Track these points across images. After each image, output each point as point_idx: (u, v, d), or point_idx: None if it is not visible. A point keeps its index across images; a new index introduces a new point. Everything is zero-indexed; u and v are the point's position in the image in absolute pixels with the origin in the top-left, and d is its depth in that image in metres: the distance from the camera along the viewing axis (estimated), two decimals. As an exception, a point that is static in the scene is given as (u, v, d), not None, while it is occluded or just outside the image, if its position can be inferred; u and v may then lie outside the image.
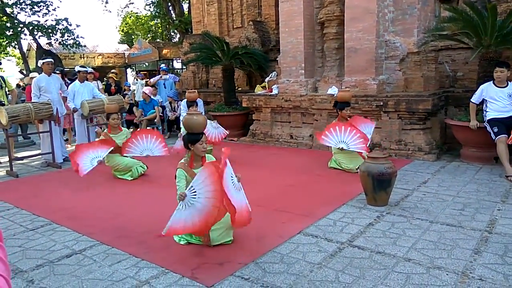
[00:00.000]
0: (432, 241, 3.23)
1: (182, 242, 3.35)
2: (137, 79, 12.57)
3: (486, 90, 5.44)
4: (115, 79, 11.56)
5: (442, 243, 3.20)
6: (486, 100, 5.44)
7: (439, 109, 6.61)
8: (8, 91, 7.49)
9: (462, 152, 6.07)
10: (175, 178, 3.40)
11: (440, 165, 5.75)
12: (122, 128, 6.02)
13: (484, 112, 5.47)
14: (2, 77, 7.36)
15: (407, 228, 3.53)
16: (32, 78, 9.02)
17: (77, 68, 7.93)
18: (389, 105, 6.31)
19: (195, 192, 2.99)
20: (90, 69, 9.44)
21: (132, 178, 5.66)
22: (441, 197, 4.33)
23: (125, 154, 5.59)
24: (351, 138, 5.28)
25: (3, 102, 6.95)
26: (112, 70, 12.88)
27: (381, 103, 6.38)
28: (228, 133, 6.46)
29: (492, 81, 5.43)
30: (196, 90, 7.32)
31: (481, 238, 3.27)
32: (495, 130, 5.21)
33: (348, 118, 5.74)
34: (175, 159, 3.49)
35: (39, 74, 7.36)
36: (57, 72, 8.27)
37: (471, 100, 5.61)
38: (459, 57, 7.22)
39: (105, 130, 6.04)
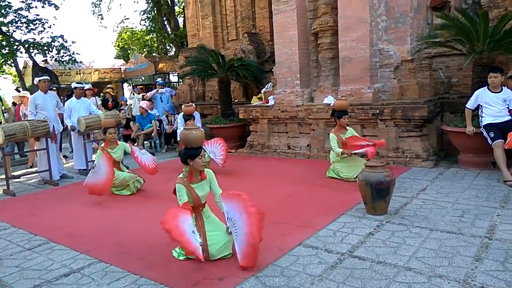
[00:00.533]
0: (432, 249, 3.21)
1: (181, 258, 3.32)
2: (133, 94, 12.59)
3: (481, 96, 5.46)
4: (112, 94, 11.58)
5: (443, 251, 3.18)
6: (481, 106, 5.47)
7: (435, 116, 6.64)
8: (5, 109, 7.48)
9: (460, 158, 6.07)
10: (174, 192, 3.39)
11: (438, 172, 5.75)
12: (119, 142, 6.01)
13: (480, 118, 5.49)
14: None
15: (407, 236, 3.51)
16: (21, 96, 9.02)
17: (73, 85, 7.95)
18: (385, 113, 6.33)
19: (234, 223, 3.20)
20: (87, 86, 9.47)
21: (130, 193, 5.63)
22: (440, 204, 4.32)
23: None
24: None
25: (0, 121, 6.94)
26: (108, 85, 12.91)
27: (377, 111, 6.41)
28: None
29: (486, 87, 5.47)
30: (193, 104, 7.35)
31: (481, 244, 3.25)
32: (492, 135, 5.22)
33: (347, 126, 5.75)
34: (172, 173, 3.48)
35: (34, 91, 7.36)
36: (53, 88, 8.29)
37: (466, 106, 5.63)
38: (453, 64, 7.28)
39: (102, 145, 6.03)
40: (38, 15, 15.05)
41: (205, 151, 5.96)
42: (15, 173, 7.63)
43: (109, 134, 5.79)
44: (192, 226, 3.17)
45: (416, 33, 6.88)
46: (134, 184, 5.71)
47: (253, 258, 3.04)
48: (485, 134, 5.34)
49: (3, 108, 7.31)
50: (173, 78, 22.30)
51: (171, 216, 3.13)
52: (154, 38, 24.99)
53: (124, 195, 5.60)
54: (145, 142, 9.71)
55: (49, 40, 15.10)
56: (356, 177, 4.58)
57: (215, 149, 6.41)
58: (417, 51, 6.58)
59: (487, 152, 5.46)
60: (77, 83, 8.12)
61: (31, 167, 7.46)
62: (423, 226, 3.73)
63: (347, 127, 5.75)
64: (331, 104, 7.04)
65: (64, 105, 7.77)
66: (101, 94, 11.60)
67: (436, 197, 4.60)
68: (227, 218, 3.27)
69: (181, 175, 3.39)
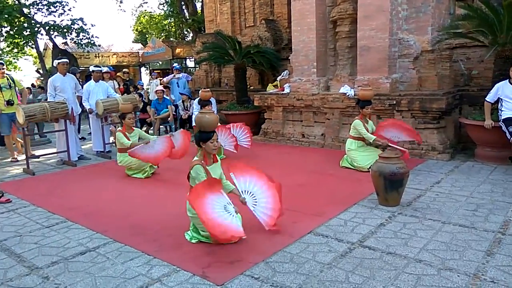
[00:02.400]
0: (444, 242, 3.21)
1: (193, 241, 3.39)
2: (151, 79, 12.65)
3: (502, 89, 5.35)
4: (123, 78, 11.64)
5: (454, 244, 3.17)
6: (501, 99, 5.36)
7: (454, 108, 6.52)
8: (19, 90, 7.59)
9: (477, 152, 5.98)
10: (188, 177, 3.43)
11: (454, 165, 5.68)
12: (134, 128, 6.11)
13: (499, 111, 5.38)
14: (11, 77, 7.48)
15: (418, 228, 3.51)
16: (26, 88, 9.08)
17: (91, 68, 8.04)
18: (402, 104, 6.25)
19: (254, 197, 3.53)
20: (105, 69, 9.56)
21: (144, 177, 5.73)
22: (454, 198, 4.28)
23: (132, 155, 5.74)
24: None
25: (12, 102, 7.07)
26: (124, 70, 12.98)
27: (394, 102, 6.33)
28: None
29: (508, 80, 5.34)
30: (209, 90, 7.37)
31: (494, 239, 3.23)
32: (511, 129, 5.12)
33: (369, 116, 5.75)
34: (187, 158, 3.53)
35: (54, 73, 7.46)
36: (75, 73, 8.40)
37: (486, 99, 5.52)
38: (474, 55, 7.11)
39: (120, 128, 6.14)
40: (59, -4, 15.19)
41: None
42: (35, 153, 7.82)
43: (128, 120, 5.92)
44: (223, 199, 3.24)
45: (437, 23, 6.73)
46: (150, 169, 5.81)
47: (275, 219, 3.49)
48: (504, 128, 5.24)
49: (16, 89, 7.44)
50: (190, 63, 22.36)
51: (196, 195, 3.15)
52: (172, 23, 25.00)
53: (140, 178, 5.70)
54: (160, 126, 9.81)
55: (69, 22, 15.27)
56: (370, 167, 4.56)
57: (238, 133, 6.63)
58: (438, 42, 6.44)
59: (505, 147, 5.36)
60: (95, 66, 8.21)
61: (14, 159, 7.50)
62: (435, 218, 3.72)
63: (370, 118, 5.73)
64: (347, 94, 6.99)
65: (82, 88, 7.88)
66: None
67: (451, 190, 4.55)
68: (243, 191, 3.51)
69: (196, 158, 3.44)
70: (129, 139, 5.77)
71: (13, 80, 7.38)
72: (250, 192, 3.55)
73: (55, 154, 7.29)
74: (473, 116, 6.08)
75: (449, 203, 4.11)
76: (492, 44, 5.78)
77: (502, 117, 5.30)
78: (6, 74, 7.43)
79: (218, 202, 3.18)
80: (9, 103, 7.04)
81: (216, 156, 3.57)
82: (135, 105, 7.62)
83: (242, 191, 3.53)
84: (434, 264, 2.85)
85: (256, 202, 3.52)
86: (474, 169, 5.43)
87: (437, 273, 2.73)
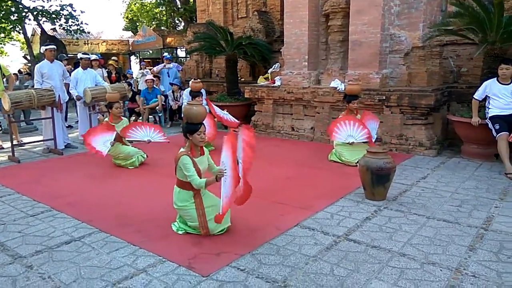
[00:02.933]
0: (427, 237, 3.25)
1: (180, 232, 3.39)
2: (142, 69, 12.46)
3: (490, 87, 5.41)
4: (115, 66, 11.50)
5: (438, 239, 3.22)
6: (489, 97, 5.42)
7: (442, 105, 6.58)
8: (4, 76, 7.43)
9: (463, 148, 6.06)
10: (175, 163, 3.38)
11: (440, 161, 5.75)
12: (122, 117, 6.04)
13: (487, 109, 5.45)
14: None
15: (403, 223, 3.55)
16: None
17: (79, 55, 7.92)
18: (392, 99, 6.29)
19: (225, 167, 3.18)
20: (94, 56, 9.42)
21: (132, 167, 5.69)
22: (439, 193, 4.34)
23: (126, 138, 5.73)
24: (358, 132, 5.38)
25: None
26: (113, 57, 12.82)
27: (384, 97, 6.36)
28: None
29: (496, 78, 5.40)
30: (200, 80, 7.31)
31: (476, 235, 3.29)
32: (497, 127, 5.19)
33: (356, 111, 5.79)
34: (176, 148, 3.50)
35: (41, 60, 7.33)
36: (63, 60, 8.25)
37: (473, 96, 5.58)
38: (464, 53, 7.17)
39: (106, 119, 6.07)
40: (47, -19, 14.88)
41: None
42: (22, 139, 7.70)
43: (116, 109, 5.84)
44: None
45: (429, 20, 6.75)
46: (138, 158, 5.77)
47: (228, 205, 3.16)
48: (490, 125, 5.31)
49: (2, 74, 7.28)
50: (181, 53, 22.14)
51: None
52: (163, 12, 24.72)
53: (127, 168, 5.65)
54: (150, 116, 9.73)
55: (58, 8, 14.97)
56: (357, 162, 4.59)
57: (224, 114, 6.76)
58: (429, 38, 6.47)
59: (491, 144, 5.44)
60: (83, 53, 8.09)
61: None
62: (420, 213, 3.76)
63: (359, 114, 5.75)
64: (338, 88, 7.00)
65: (70, 75, 7.76)
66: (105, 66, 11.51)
67: (436, 185, 4.61)
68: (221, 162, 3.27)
69: (182, 149, 3.41)
70: (114, 128, 5.73)
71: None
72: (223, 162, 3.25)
73: (42, 142, 7.19)
74: (460, 113, 6.14)
75: (434, 199, 4.17)
76: (482, 42, 5.83)
77: (489, 115, 5.36)
78: None
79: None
80: None
81: (204, 148, 3.51)
82: (124, 94, 7.53)
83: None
84: (418, 258, 2.90)
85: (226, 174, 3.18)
86: (460, 166, 5.51)
87: (420, 267, 2.77)
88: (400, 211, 3.84)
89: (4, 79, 7.40)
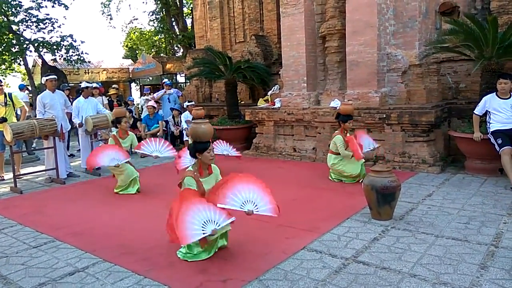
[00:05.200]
0: (437, 256, 3.19)
1: (186, 259, 3.32)
2: (145, 95, 12.50)
3: (489, 102, 5.43)
4: (118, 94, 11.61)
5: (448, 258, 3.16)
6: (489, 112, 5.43)
7: (442, 121, 6.60)
8: (18, 108, 7.52)
9: (467, 164, 6.03)
10: (179, 185, 3.37)
11: (444, 178, 5.71)
12: (129, 132, 6.16)
13: (488, 124, 5.45)
14: (10, 94, 7.40)
15: (412, 242, 3.49)
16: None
17: (84, 84, 8.02)
18: (392, 117, 6.31)
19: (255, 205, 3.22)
20: (94, 84, 9.53)
21: (136, 191, 5.68)
22: (446, 210, 4.29)
23: (137, 150, 5.86)
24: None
25: (5, 119, 6.98)
26: (113, 86, 12.94)
27: (384, 116, 6.38)
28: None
29: (495, 93, 5.43)
30: (202, 107, 7.34)
31: (487, 252, 3.23)
32: (499, 141, 5.19)
33: (350, 130, 5.82)
34: (178, 175, 3.48)
35: (43, 90, 7.40)
36: (64, 90, 8.35)
37: (474, 111, 5.60)
38: (461, 69, 7.24)
39: (114, 132, 6.11)
40: (48, 14, 15.31)
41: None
42: (22, 171, 7.68)
43: (124, 124, 5.95)
44: (207, 214, 3.09)
45: (424, 38, 6.85)
46: (137, 180, 5.75)
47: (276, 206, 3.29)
48: (492, 140, 5.30)
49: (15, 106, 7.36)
50: (180, 78, 22.36)
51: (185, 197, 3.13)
52: (162, 39, 25.11)
53: (130, 195, 5.62)
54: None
55: (58, 39, 15.21)
56: (362, 181, 4.57)
57: (225, 148, 6.65)
58: (425, 56, 6.55)
59: (495, 159, 5.42)
60: (86, 82, 8.19)
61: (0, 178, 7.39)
62: (428, 232, 3.71)
63: (350, 134, 5.77)
64: (337, 108, 7.03)
65: (72, 104, 7.82)
66: (106, 94, 11.61)
67: (442, 203, 4.57)
68: (244, 203, 3.23)
69: (190, 169, 3.38)
70: (121, 145, 5.78)
71: (11, 98, 7.30)
72: (251, 201, 3.26)
73: (44, 172, 7.17)
74: (462, 128, 6.15)
75: (442, 216, 4.12)
76: (478, 58, 5.89)
77: (491, 130, 5.36)
78: (8, 92, 7.39)
79: (200, 215, 3.06)
80: (1, 120, 6.94)
81: (212, 167, 3.49)
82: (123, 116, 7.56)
83: (243, 203, 3.22)
84: (429, 279, 2.83)
85: (256, 205, 3.25)
86: (464, 182, 5.47)
87: (432, 288, 2.71)
88: (407, 230, 3.79)
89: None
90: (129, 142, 6.06)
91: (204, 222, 3.06)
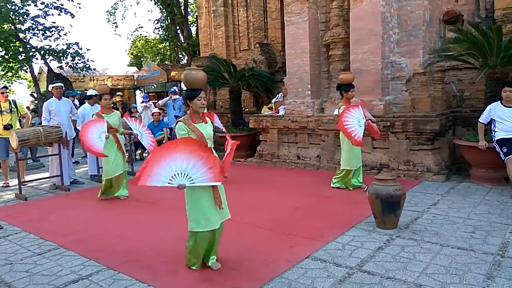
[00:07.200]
0: (443, 266, 3.17)
1: (193, 267, 3.30)
2: (145, 103, 12.56)
3: (494, 110, 5.41)
4: (122, 101, 11.67)
5: (454, 267, 3.13)
6: (494, 120, 5.41)
7: (447, 129, 6.58)
8: (21, 115, 7.58)
9: (472, 173, 6.00)
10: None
11: (449, 186, 5.68)
12: (113, 110, 6.16)
13: (493, 132, 5.43)
14: (14, 101, 7.47)
15: (417, 252, 3.47)
16: None
17: (91, 92, 8.07)
18: (396, 125, 6.30)
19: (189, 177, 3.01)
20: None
21: (126, 194, 5.85)
22: (451, 220, 4.26)
23: (124, 118, 6.07)
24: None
25: (10, 126, 7.03)
26: (118, 93, 13.03)
27: (388, 124, 6.37)
28: None
29: (500, 101, 5.42)
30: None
31: (493, 262, 3.20)
32: (505, 150, 5.16)
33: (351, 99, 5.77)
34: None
35: (49, 97, 7.46)
36: (68, 96, 8.40)
37: (479, 120, 5.58)
38: (465, 77, 7.23)
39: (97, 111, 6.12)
40: (54, 22, 15.33)
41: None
42: (27, 178, 7.71)
43: (104, 100, 5.86)
44: (178, 167, 2.97)
45: (428, 46, 6.86)
46: (125, 176, 5.89)
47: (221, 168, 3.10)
48: (497, 149, 5.27)
49: (18, 114, 7.42)
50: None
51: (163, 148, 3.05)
52: (167, 47, 25.28)
53: (131, 202, 5.62)
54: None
55: (64, 47, 15.34)
56: (366, 189, 4.55)
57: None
58: (429, 64, 6.55)
59: (500, 167, 5.39)
60: (93, 89, 8.25)
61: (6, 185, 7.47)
62: (433, 241, 3.68)
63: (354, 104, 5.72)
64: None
65: (77, 111, 7.87)
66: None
67: (448, 212, 4.54)
68: (176, 174, 3.07)
69: (184, 117, 3.31)
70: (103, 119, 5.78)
71: (15, 105, 7.37)
72: (183, 173, 3.03)
73: (48, 179, 7.20)
74: (466, 137, 6.13)
75: (447, 225, 4.09)
76: (483, 66, 5.89)
77: (496, 138, 5.34)
78: (12, 99, 7.45)
79: (175, 165, 2.93)
80: (6, 127, 7.00)
81: (206, 118, 3.35)
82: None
83: (172, 177, 3.03)
84: (435, 289, 2.81)
85: (191, 177, 3.02)
86: (470, 190, 5.44)
87: (438, 298, 2.68)
88: (413, 239, 3.76)
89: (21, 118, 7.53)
90: (116, 117, 5.94)
91: (177, 174, 2.94)
